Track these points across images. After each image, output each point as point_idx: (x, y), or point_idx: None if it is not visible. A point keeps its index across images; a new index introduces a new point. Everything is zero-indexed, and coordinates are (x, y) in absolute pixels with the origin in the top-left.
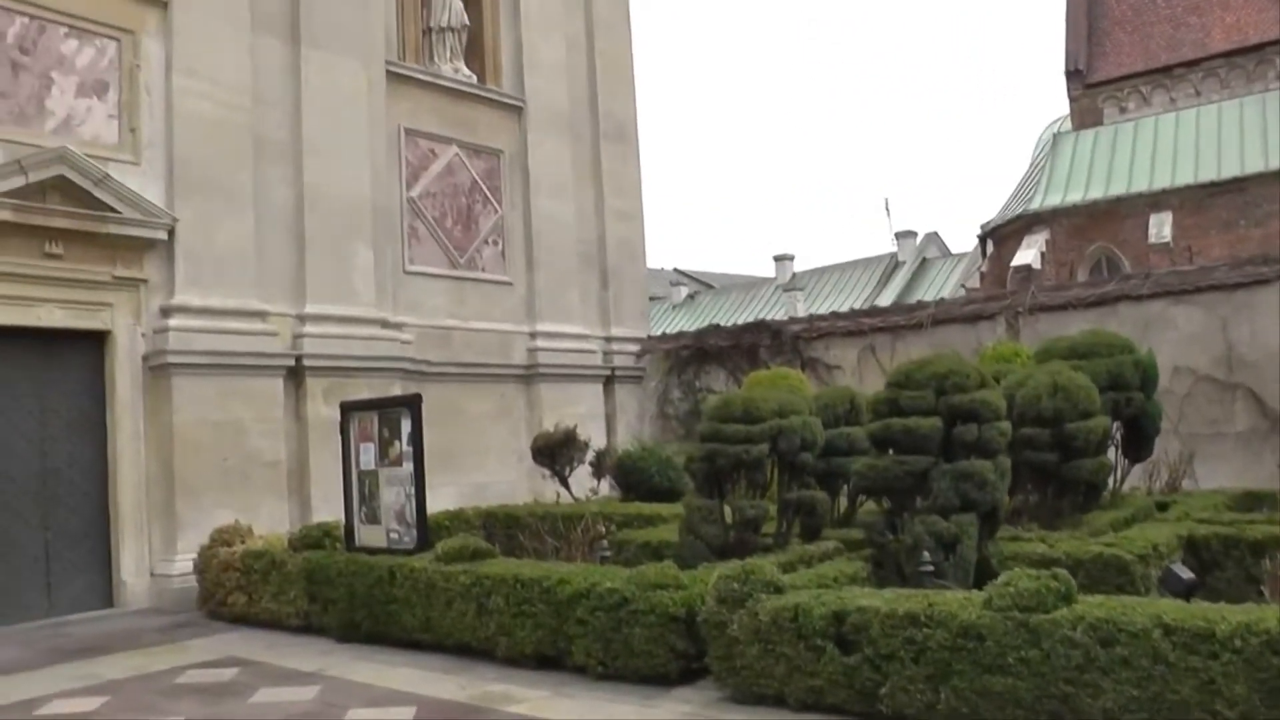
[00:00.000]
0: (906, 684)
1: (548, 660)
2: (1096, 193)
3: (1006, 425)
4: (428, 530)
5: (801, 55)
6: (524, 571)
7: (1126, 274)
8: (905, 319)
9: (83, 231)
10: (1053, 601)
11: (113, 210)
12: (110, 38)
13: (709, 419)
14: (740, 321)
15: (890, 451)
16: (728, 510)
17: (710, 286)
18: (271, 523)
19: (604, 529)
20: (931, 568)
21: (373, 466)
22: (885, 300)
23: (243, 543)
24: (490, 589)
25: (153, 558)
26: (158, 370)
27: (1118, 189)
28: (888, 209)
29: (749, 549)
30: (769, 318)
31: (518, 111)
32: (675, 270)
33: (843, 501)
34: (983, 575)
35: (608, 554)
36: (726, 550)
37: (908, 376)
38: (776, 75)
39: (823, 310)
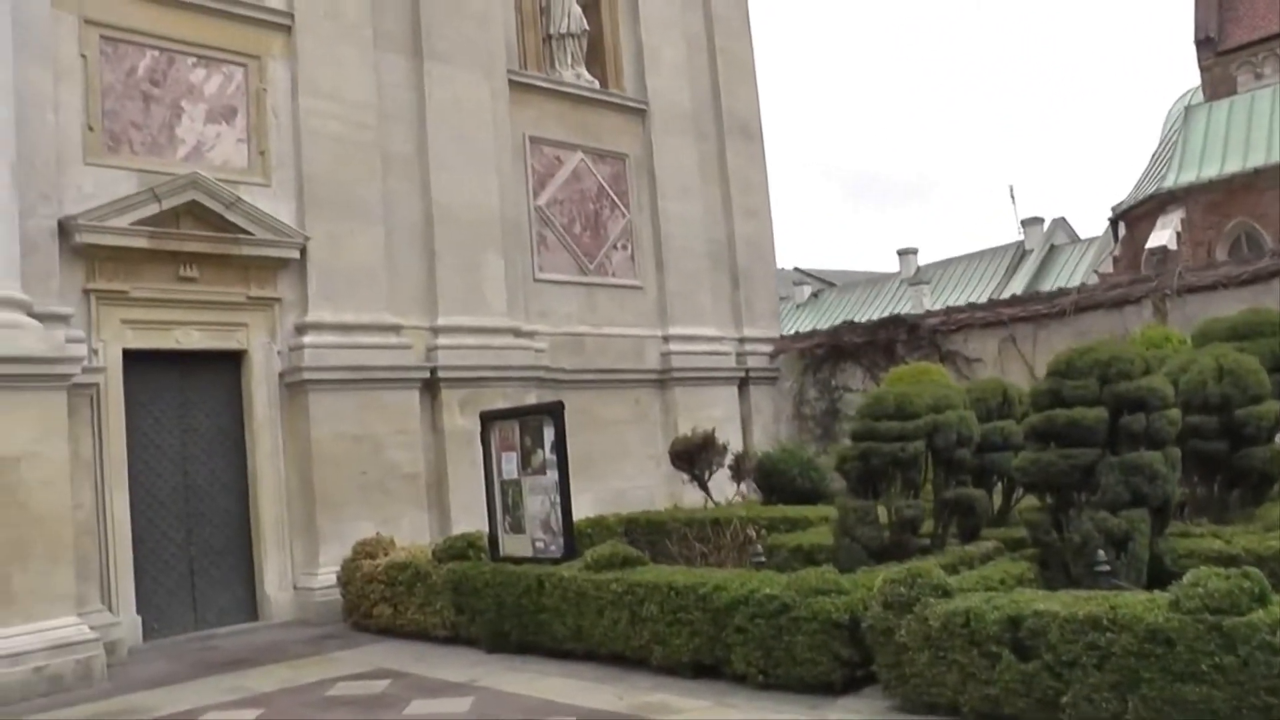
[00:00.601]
0: (1090, 692)
1: (704, 669)
2: (1234, 166)
3: (1176, 413)
4: (574, 538)
5: (915, 42)
6: (677, 578)
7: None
8: (1047, 307)
9: (216, 254)
10: (1246, 603)
11: (245, 232)
12: (237, 64)
13: (862, 416)
14: (867, 318)
15: (1052, 445)
16: (882, 510)
17: (832, 284)
18: (412, 534)
19: (754, 533)
20: (1108, 567)
21: (515, 476)
22: (1014, 290)
23: (385, 555)
24: (643, 597)
25: (295, 571)
26: (294, 387)
27: (1256, 160)
28: (1012, 196)
29: (907, 551)
30: (898, 313)
31: (641, 114)
32: (796, 269)
33: (997, 499)
34: (1155, 574)
35: (762, 559)
36: (884, 553)
37: (1069, 365)
38: (890, 62)
39: (951, 302)
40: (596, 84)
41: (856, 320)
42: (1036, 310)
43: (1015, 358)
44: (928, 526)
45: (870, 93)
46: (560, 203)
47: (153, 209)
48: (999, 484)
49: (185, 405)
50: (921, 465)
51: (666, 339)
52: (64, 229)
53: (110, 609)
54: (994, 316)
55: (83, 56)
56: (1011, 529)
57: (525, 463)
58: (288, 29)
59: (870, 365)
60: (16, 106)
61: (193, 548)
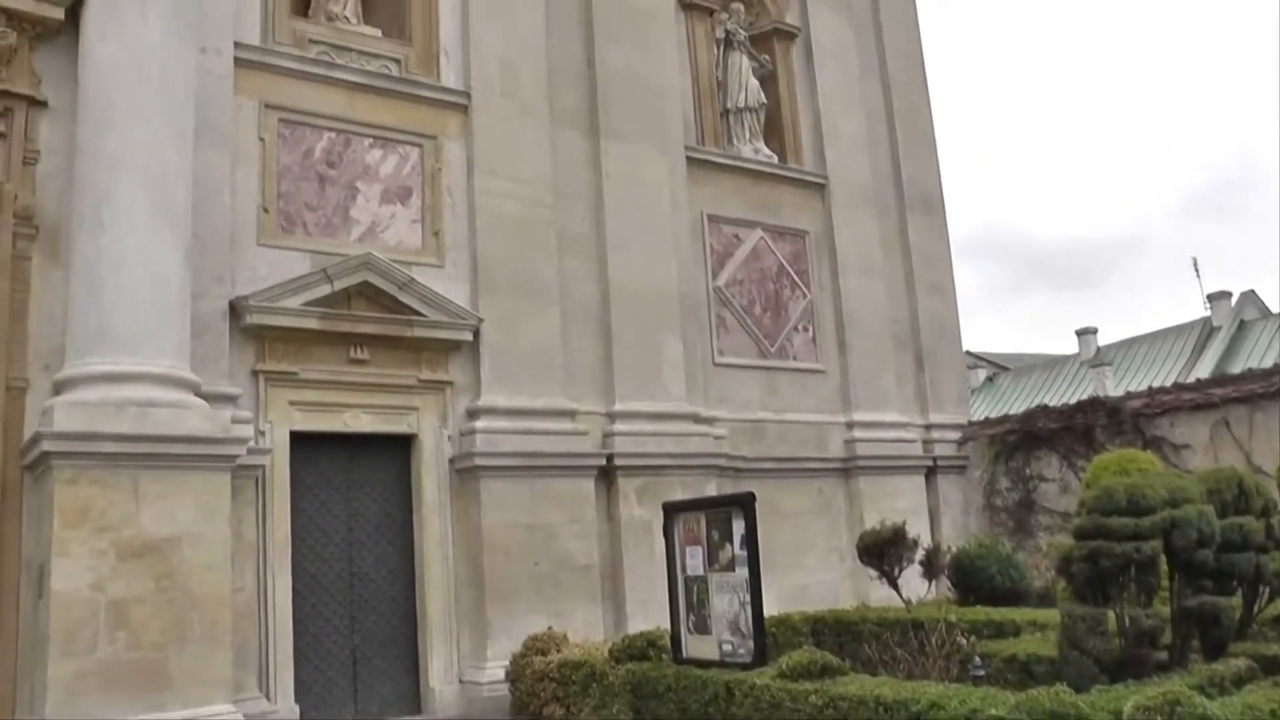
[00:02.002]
0: None
1: None
2: None
3: None
4: (765, 642)
5: (1084, 112)
6: (885, 692)
7: None
8: (1263, 386)
9: (388, 336)
10: None
11: (418, 314)
12: (413, 144)
13: (1089, 512)
14: (1050, 402)
15: None
16: (1111, 618)
17: (1006, 368)
18: (585, 629)
19: (964, 640)
20: None
21: (701, 572)
22: (1203, 370)
23: (558, 651)
24: (846, 712)
25: (461, 664)
26: (465, 473)
27: None
28: (1196, 269)
29: (1144, 667)
30: (1087, 395)
31: (820, 188)
32: (968, 353)
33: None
34: None
35: (982, 673)
36: (1117, 668)
37: None
38: (1054, 131)
39: (1135, 384)
40: (775, 158)
41: (1033, 405)
42: (1251, 390)
43: (1230, 444)
44: (1164, 638)
45: (1036, 164)
46: (740, 283)
47: (325, 290)
48: (1239, 590)
49: (352, 489)
50: (1158, 568)
51: (850, 425)
52: (235, 310)
53: (268, 696)
54: (1203, 398)
55: (261, 140)
56: (1258, 644)
57: (712, 558)
58: (464, 108)
59: (1067, 453)
60: (195, 189)
61: (356, 636)
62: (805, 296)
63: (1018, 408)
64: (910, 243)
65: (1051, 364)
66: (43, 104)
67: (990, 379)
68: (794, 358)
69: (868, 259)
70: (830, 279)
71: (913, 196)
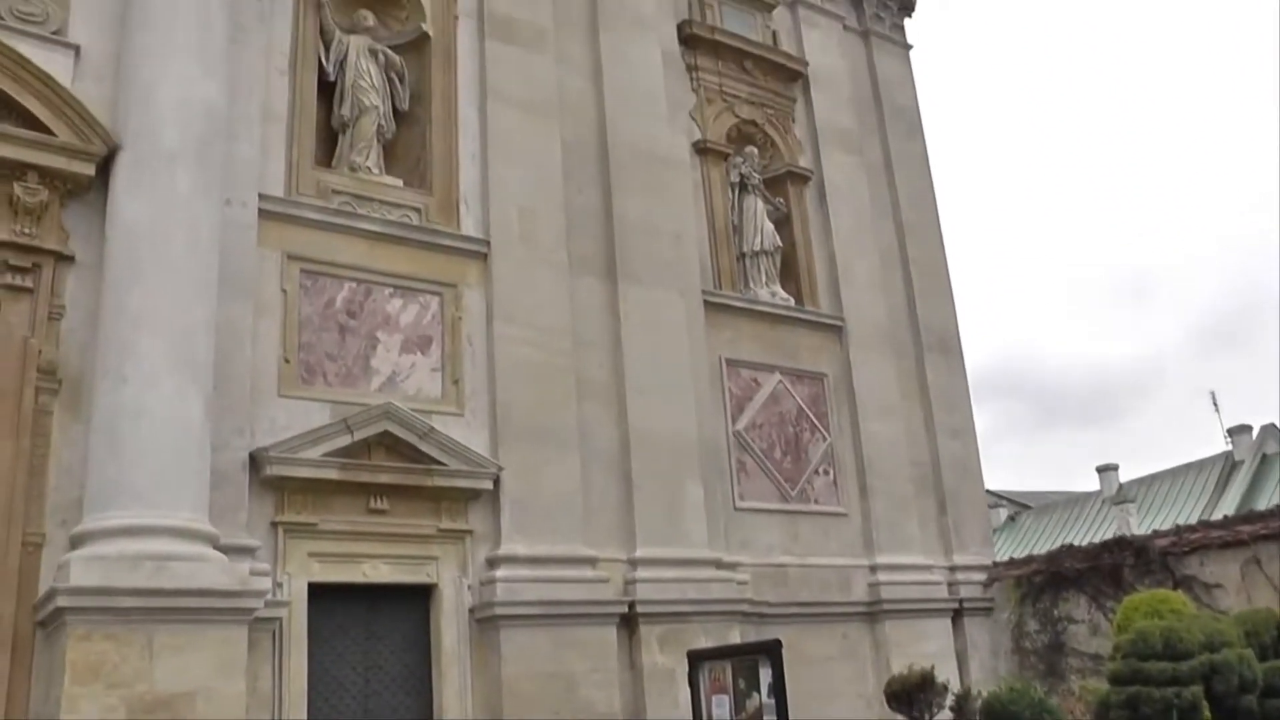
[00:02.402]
0: None
1: None
2: None
3: None
4: None
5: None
6: None
7: None
8: None
9: (408, 485)
10: None
11: (438, 463)
12: (433, 293)
13: (1125, 656)
14: (1072, 540)
15: None
16: None
17: (1027, 506)
18: None
19: None
20: None
21: None
22: (1228, 505)
23: None
24: None
25: None
26: (485, 622)
27: None
28: (1215, 403)
29: None
30: (1111, 534)
31: (837, 331)
32: (989, 492)
33: None
34: None
35: None
36: None
37: None
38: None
39: (1160, 521)
40: (791, 301)
41: (1056, 544)
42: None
43: (1263, 584)
44: None
45: (1047, 294)
46: (759, 426)
47: (345, 440)
48: None
49: (370, 640)
50: (1201, 713)
51: (874, 569)
52: (255, 461)
53: None
54: (1232, 536)
55: (283, 291)
56: None
57: (739, 707)
58: (484, 256)
59: (1095, 593)
60: (217, 341)
61: None
62: (825, 439)
63: (1041, 547)
64: (929, 384)
65: (1073, 502)
66: (70, 259)
67: (1012, 518)
68: (815, 501)
69: (886, 401)
70: (850, 422)
71: (929, 338)
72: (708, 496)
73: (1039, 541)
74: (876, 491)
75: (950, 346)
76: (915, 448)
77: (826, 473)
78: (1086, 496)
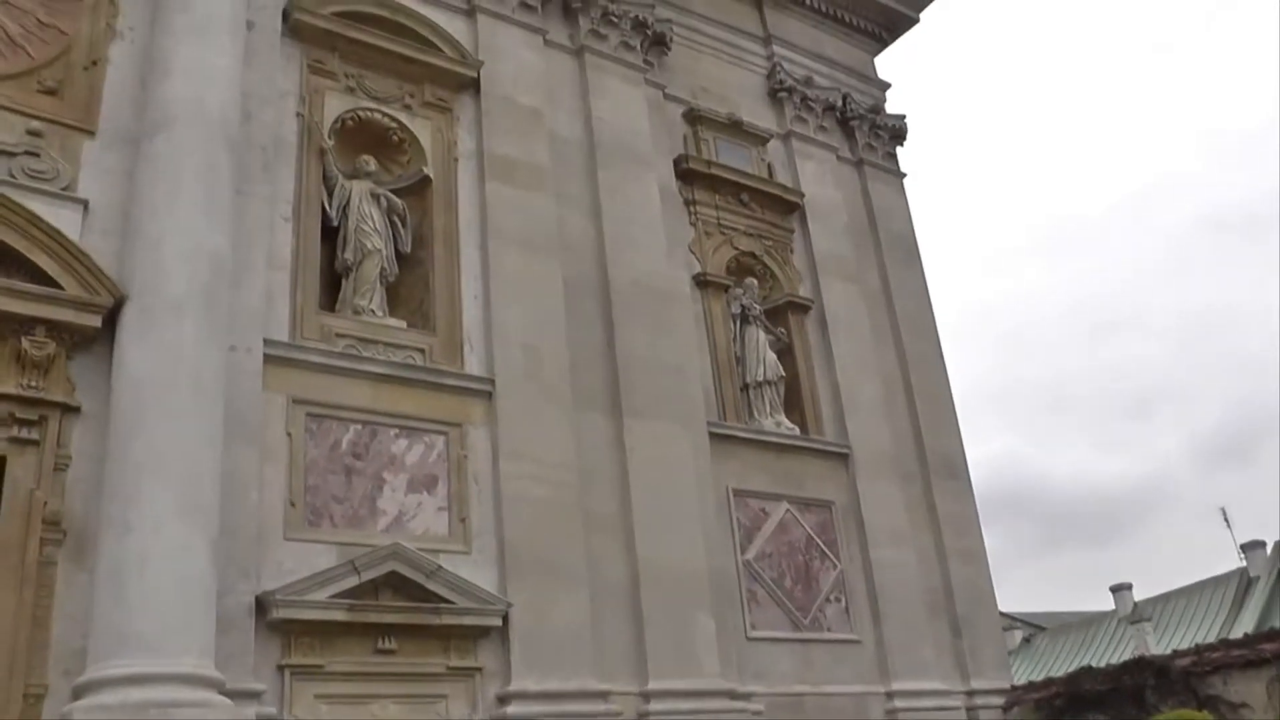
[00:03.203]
0: None
1: None
2: None
3: None
4: None
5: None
6: None
7: None
8: None
9: (416, 625)
10: None
11: (446, 601)
12: (439, 432)
13: None
14: (1088, 662)
15: None
16: None
17: (1042, 628)
18: None
19: None
20: None
21: None
22: (1247, 622)
23: None
24: None
25: None
26: None
27: None
28: (1226, 520)
29: None
30: (1129, 654)
31: (843, 459)
32: (1002, 614)
33: None
34: None
35: None
36: None
37: None
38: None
39: (1177, 640)
40: (796, 430)
41: (1074, 666)
42: None
43: None
44: None
45: (1053, 406)
46: (768, 556)
47: (352, 581)
48: None
49: None
50: None
51: (890, 695)
52: (261, 604)
53: None
54: (1254, 654)
55: (288, 435)
56: None
57: None
58: (489, 394)
59: (1117, 716)
60: (222, 486)
61: None
62: (836, 567)
63: (1059, 669)
64: (937, 508)
65: (1088, 622)
66: (76, 410)
67: (1027, 640)
68: (828, 629)
69: (895, 528)
70: (859, 549)
71: (936, 462)
72: (719, 627)
73: (1056, 663)
74: (889, 617)
75: (957, 470)
76: (927, 573)
77: (838, 600)
78: (1102, 616)
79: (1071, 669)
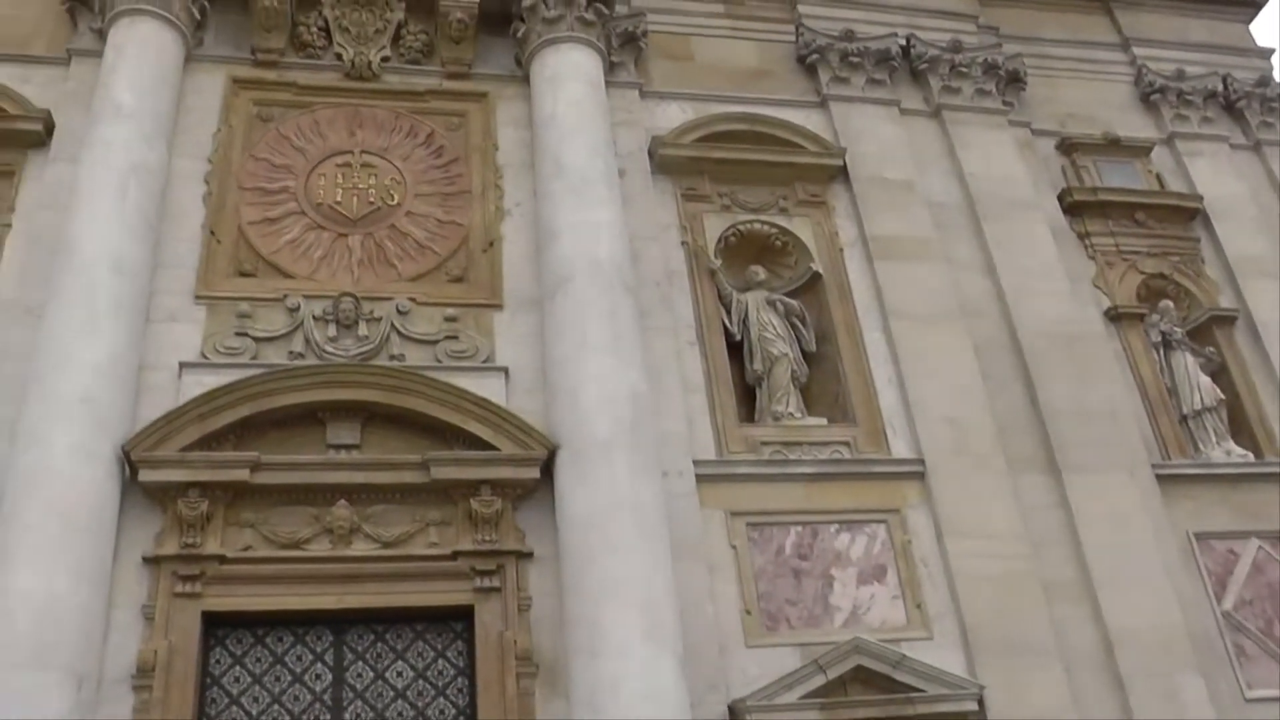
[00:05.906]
0: None
1: None
2: None
3: None
4: None
5: None
6: None
7: None
8: None
9: (889, 718)
10: None
11: (916, 690)
12: (878, 522)
13: None
14: None
15: None
16: None
17: None
18: None
19: None
20: None
21: None
22: None
23: None
24: None
25: None
26: None
27: None
28: None
29: None
30: None
31: None
32: None
33: None
34: None
35: None
36: None
37: None
38: None
39: None
40: (1250, 455)
41: None
42: None
43: None
44: None
45: None
46: (1249, 604)
47: (819, 680)
48: None
49: None
50: None
51: None
52: (734, 713)
53: None
54: None
55: (733, 547)
56: None
57: None
58: (920, 475)
59: None
60: (678, 604)
61: None
62: None
63: None
64: None
65: None
66: (529, 555)
67: None
68: None
69: None
70: None
71: None
72: (1210, 689)
73: None
74: None
75: None
76: None
77: None
78: None
79: None
